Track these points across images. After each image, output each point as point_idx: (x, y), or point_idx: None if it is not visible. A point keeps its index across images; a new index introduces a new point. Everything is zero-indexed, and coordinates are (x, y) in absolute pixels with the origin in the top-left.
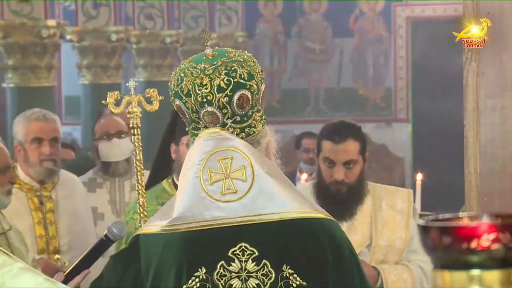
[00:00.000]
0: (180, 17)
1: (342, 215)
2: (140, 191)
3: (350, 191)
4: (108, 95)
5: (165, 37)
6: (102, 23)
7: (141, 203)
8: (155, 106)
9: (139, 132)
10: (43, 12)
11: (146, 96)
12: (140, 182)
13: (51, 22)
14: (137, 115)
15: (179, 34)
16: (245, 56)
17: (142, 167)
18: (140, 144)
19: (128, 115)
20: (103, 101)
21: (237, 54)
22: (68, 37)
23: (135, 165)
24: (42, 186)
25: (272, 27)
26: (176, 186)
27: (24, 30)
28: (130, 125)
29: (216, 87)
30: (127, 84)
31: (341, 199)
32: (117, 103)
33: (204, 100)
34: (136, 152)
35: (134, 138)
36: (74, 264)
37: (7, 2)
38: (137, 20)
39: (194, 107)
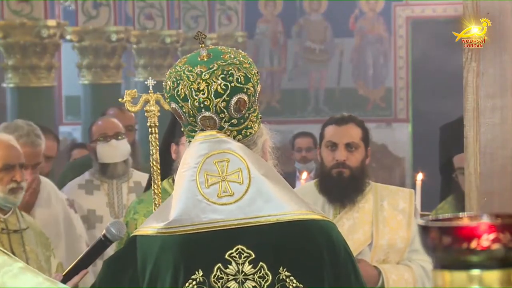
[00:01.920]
0: (180, 17)
1: (342, 202)
2: (156, 191)
3: (352, 177)
4: (125, 93)
5: (165, 37)
6: (102, 23)
7: (157, 203)
8: None
9: (156, 131)
10: (43, 12)
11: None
12: (156, 182)
13: (51, 22)
14: (154, 114)
15: (179, 34)
16: (241, 57)
17: (159, 167)
18: (157, 143)
19: (145, 114)
20: (120, 99)
21: (232, 56)
22: (68, 37)
23: (151, 164)
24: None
25: (272, 27)
26: None
27: (24, 30)
28: (148, 124)
29: (213, 93)
30: (146, 82)
31: (343, 184)
32: (134, 101)
33: (202, 105)
34: (152, 152)
35: (151, 137)
36: (72, 264)
37: (7, 2)
38: (137, 20)
39: (191, 112)
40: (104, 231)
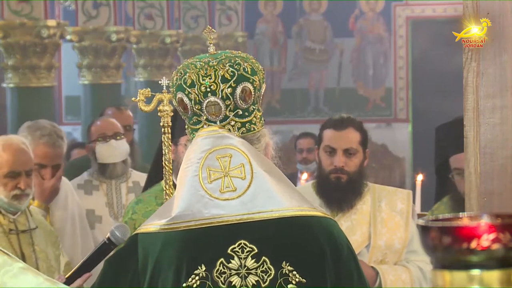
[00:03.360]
0: (180, 17)
1: (340, 206)
2: (167, 191)
3: (350, 181)
4: (138, 92)
5: (165, 37)
6: (102, 23)
7: None
8: None
9: (169, 131)
10: (43, 12)
11: None
12: (168, 182)
13: (51, 22)
14: (167, 114)
15: (179, 34)
16: (248, 55)
17: (171, 167)
18: (170, 143)
19: (159, 114)
20: (133, 99)
21: (239, 53)
22: (68, 37)
23: (164, 164)
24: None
25: (272, 27)
26: (175, 186)
27: (24, 30)
28: (161, 124)
29: (220, 77)
30: (160, 82)
31: (341, 188)
32: (148, 101)
33: (208, 89)
34: (165, 152)
35: (164, 137)
36: (76, 267)
37: (7, 2)
38: (137, 20)
39: (197, 98)
40: (108, 234)
